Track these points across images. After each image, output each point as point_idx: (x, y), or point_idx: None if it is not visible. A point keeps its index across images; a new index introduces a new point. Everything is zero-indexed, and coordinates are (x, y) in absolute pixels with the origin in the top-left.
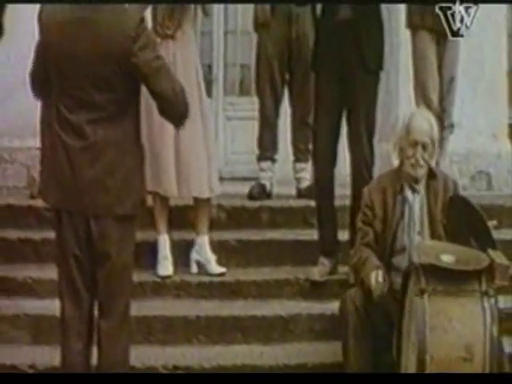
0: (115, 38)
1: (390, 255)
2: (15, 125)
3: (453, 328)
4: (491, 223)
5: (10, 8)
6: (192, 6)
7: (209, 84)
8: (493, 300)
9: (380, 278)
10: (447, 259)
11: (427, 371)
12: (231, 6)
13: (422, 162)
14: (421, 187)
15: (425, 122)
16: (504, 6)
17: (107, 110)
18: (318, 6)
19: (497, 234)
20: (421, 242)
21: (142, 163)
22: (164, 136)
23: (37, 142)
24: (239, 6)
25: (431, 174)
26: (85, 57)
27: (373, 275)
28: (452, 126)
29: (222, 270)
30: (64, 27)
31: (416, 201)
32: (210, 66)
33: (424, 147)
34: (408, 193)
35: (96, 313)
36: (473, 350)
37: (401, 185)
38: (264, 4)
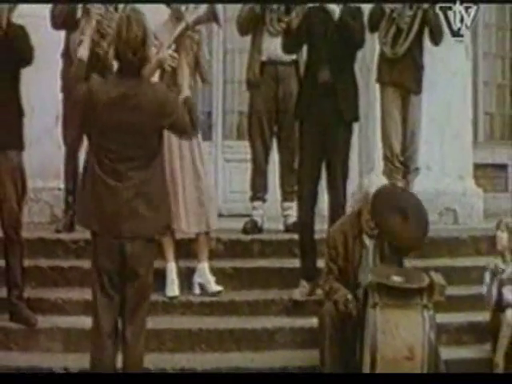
0: (154, 111)
1: (354, 289)
2: (39, 167)
3: (399, 334)
4: None
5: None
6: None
7: (209, 129)
8: (431, 312)
9: (349, 297)
10: (396, 279)
11: (378, 367)
12: (229, 59)
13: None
14: (375, 232)
15: None
16: (469, 63)
17: (142, 160)
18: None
19: (452, 262)
20: (375, 266)
21: (168, 195)
22: (174, 177)
23: (59, 183)
24: (237, 59)
25: None
26: (128, 123)
27: (348, 296)
28: (417, 169)
29: (220, 288)
30: (109, 100)
31: (371, 244)
32: (209, 113)
33: None
34: (366, 239)
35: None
36: (414, 351)
37: (358, 230)
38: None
